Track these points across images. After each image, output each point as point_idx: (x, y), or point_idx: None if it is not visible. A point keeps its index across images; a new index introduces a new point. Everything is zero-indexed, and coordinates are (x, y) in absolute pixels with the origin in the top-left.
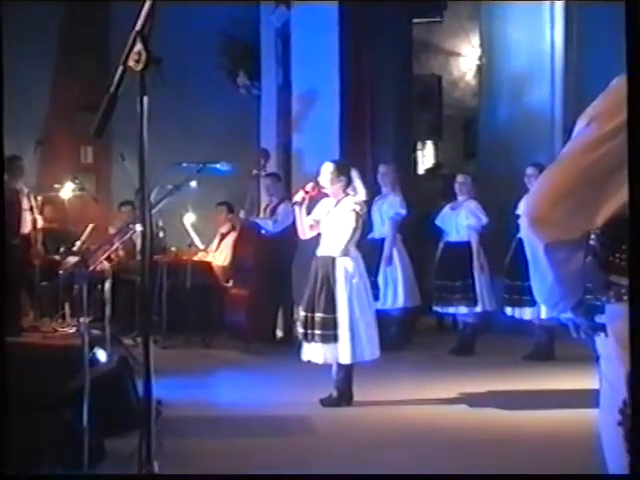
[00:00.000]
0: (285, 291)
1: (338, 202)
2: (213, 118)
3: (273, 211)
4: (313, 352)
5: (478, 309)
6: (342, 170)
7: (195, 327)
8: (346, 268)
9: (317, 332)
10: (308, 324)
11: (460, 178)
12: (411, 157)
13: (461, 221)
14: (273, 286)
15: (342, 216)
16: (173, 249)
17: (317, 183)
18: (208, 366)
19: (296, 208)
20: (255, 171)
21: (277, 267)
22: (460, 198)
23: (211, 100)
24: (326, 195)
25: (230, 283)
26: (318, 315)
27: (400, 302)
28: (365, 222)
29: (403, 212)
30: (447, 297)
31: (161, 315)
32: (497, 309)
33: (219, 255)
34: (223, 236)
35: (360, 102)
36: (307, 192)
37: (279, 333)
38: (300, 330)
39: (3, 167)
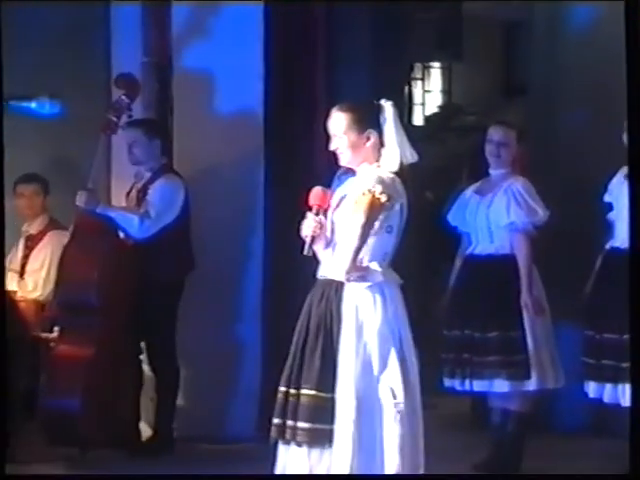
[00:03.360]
0: (164, 348)
1: (362, 177)
2: (25, 15)
3: (141, 195)
4: (295, 463)
5: (531, 385)
6: (367, 116)
7: None
8: (358, 306)
9: (301, 425)
10: (288, 409)
11: (496, 134)
12: (403, 94)
13: (497, 217)
14: (139, 339)
15: (350, 205)
16: None
17: (324, 191)
18: None
19: (308, 247)
20: (112, 116)
21: (150, 304)
22: (496, 173)
23: None
24: (349, 170)
25: (55, 333)
26: (305, 393)
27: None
28: (403, 215)
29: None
30: (471, 362)
31: None
32: (568, 385)
33: (30, 277)
34: (33, 240)
35: None
36: (319, 206)
37: (145, 429)
38: (275, 420)
39: (3, 165)
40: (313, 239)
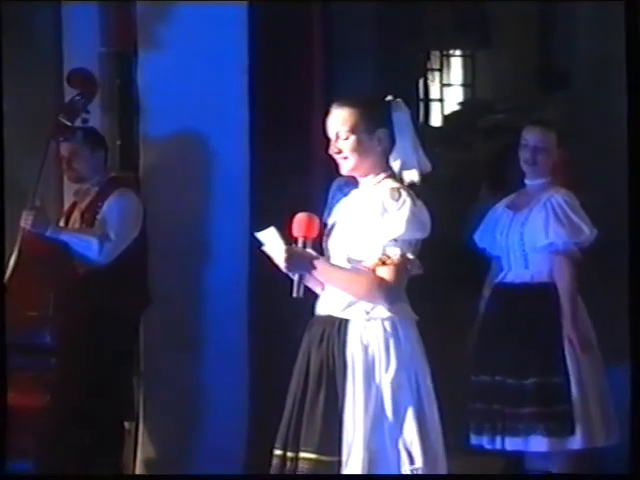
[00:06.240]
0: (126, 398)
1: (369, 189)
2: None
3: (89, 215)
4: None
5: (575, 443)
6: (378, 113)
7: None
8: (367, 347)
9: None
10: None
11: (532, 136)
12: (417, 88)
13: (534, 236)
14: (106, 388)
15: (366, 216)
16: None
17: (310, 218)
18: None
19: (297, 287)
20: (64, 120)
21: (113, 344)
22: (532, 184)
23: None
24: (351, 179)
25: None
26: (305, 457)
27: None
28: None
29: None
30: (503, 414)
31: None
32: (623, 442)
33: None
34: None
35: None
36: (305, 237)
37: None
38: None
39: (3, 164)
40: (301, 277)
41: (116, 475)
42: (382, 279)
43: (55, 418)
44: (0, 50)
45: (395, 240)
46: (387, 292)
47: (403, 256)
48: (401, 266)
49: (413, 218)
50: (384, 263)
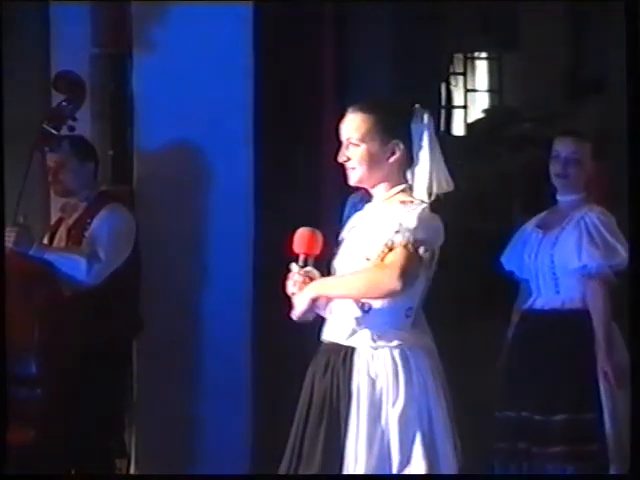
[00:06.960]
0: (117, 434)
1: (378, 204)
2: None
3: (76, 232)
4: None
5: None
6: (395, 122)
7: None
8: (375, 379)
9: None
10: None
11: (564, 148)
12: (439, 94)
13: (565, 259)
14: (95, 423)
15: (372, 231)
16: None
17: (312, 234)
18: None
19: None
20: (49, 127)
21: (103, 373)
22: (564, 200)
23: None
24: (365, 194)
25: None
26: None
27: None
28: (435, 258)
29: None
30: (530, 454)
31: None
32: None
33: None
34: None
35: None
36: (306, 254)
37: None
38: None
39: (3, 165)
40: None
41: (116, 475)
42: (390, 263)
43: (38, 455)
44: (0, 52)
45: (403, 231)
46: (398, 275)
47: (409, 242)
48: (409, 249)
49: (423, 218)
50: (390, 250)
